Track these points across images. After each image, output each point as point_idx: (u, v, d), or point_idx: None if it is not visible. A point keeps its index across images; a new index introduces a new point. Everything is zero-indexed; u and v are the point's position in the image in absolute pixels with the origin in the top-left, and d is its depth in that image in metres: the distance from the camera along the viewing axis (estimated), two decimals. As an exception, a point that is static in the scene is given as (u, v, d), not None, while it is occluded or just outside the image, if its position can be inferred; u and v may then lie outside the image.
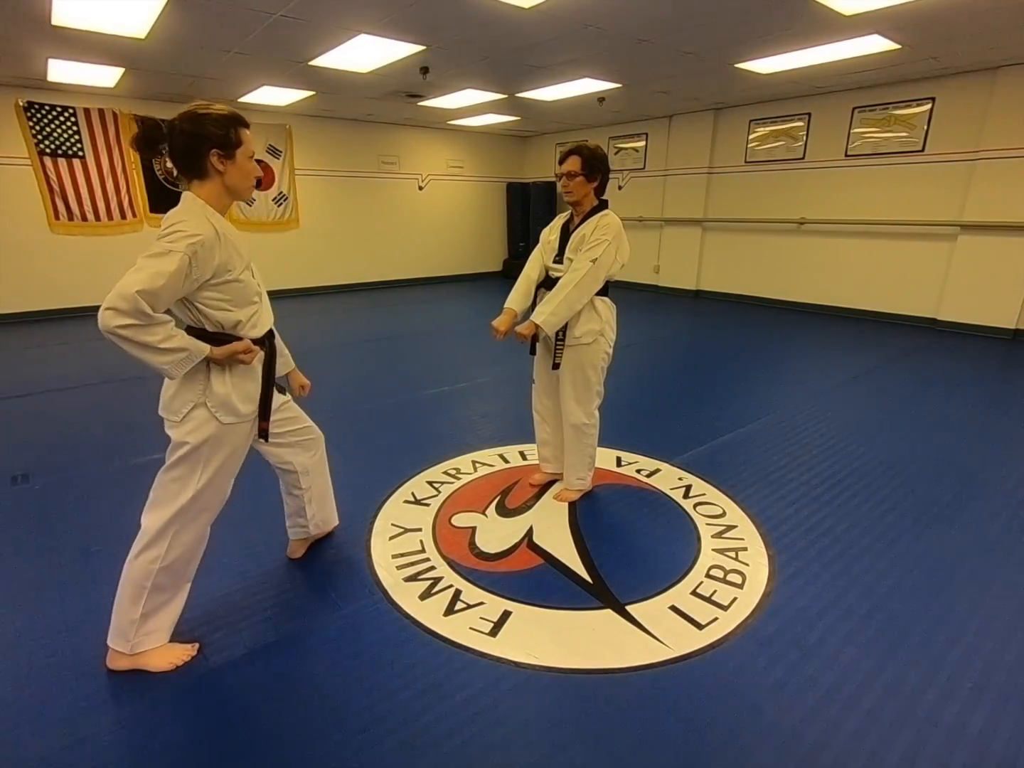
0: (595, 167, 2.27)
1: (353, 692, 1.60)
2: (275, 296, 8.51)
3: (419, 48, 4.75)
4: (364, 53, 4.88)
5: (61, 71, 5.46)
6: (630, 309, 7.72)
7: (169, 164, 7.35)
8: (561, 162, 2.29)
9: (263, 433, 1.74)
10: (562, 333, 2.38)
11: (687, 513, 2.53)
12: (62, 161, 6.57)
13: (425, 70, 5.42)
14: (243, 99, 6.86)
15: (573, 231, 2.36)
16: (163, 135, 1.51)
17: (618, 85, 6.12)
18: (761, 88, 6.31)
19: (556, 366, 2.45)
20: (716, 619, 1.87)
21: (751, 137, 7.42)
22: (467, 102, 7.04)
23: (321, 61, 5.15)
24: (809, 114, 6.81)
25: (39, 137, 6.40)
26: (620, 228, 2.32)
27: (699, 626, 1.84)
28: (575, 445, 2.56)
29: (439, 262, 10.08)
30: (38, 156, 6.44)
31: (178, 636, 1.75)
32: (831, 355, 5.28)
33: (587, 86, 6.14)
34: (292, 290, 8.52)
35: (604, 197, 2.39)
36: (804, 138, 6.92)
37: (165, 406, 1.60)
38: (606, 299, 2.42)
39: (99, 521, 2.47)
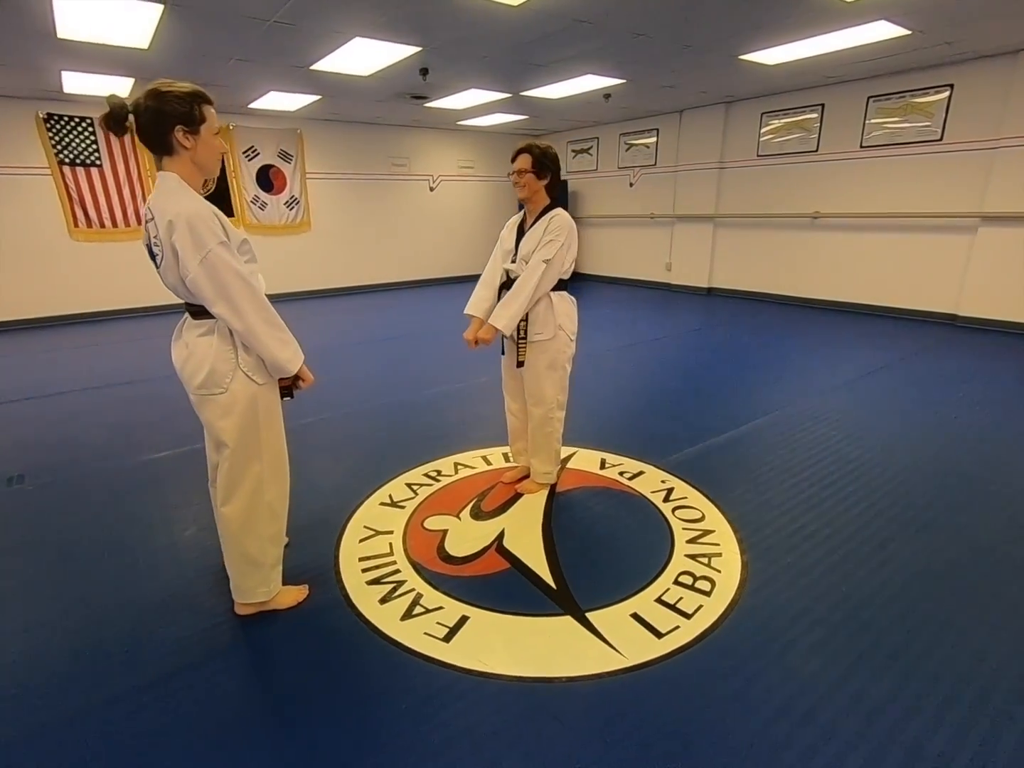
0: (545, 165, 2.33)
1: (296, 695, 1.59)
2: (286, 298, 8.52)
3: (415, 49, 4.76)
4: (362, 56, 4.91)
5: (75, 83, 5.63)
6: (640, 308, 7.63)
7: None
8: (513, 160, 2.37)
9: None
10: (523, 331, 2.42)
11: (664, 517, 2.47)
12: (80, 170, 6.78)
13: (425, 71, 5.43)
14: (253, 105, 6.97)
15: (528, 231, 2.41)
16: (127, 112, 1.56)
17: (622, 81, 6.03)
18: (771, 80, 6.15)
19: (520, 364, 2.49)
20: (677, 627, 1.82)
21: (763, 130, 7.25)
22: (473, 102, 7.03)
23: (322, 65, 5.19)
24: (822, 105, 6.62)
25: (58, 147, 6.61)
26: (571, 226, 2.37)
27: (658, 634, 1.79)
28: (540, 439, 2.60)
29: (450, 262, 10.11)
30: (58, 166, 6.65)
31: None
32: (844, 352, 5.11)
33: (591, 82, 6.08)
34: (303, 292, 8.63)
35: (556, 196, 2.45)
36: (818, 130, 6.73)
37: (203, 383, 1.61)
38: (564, 293, 2.46)
39: (84, 521, 2.53)
